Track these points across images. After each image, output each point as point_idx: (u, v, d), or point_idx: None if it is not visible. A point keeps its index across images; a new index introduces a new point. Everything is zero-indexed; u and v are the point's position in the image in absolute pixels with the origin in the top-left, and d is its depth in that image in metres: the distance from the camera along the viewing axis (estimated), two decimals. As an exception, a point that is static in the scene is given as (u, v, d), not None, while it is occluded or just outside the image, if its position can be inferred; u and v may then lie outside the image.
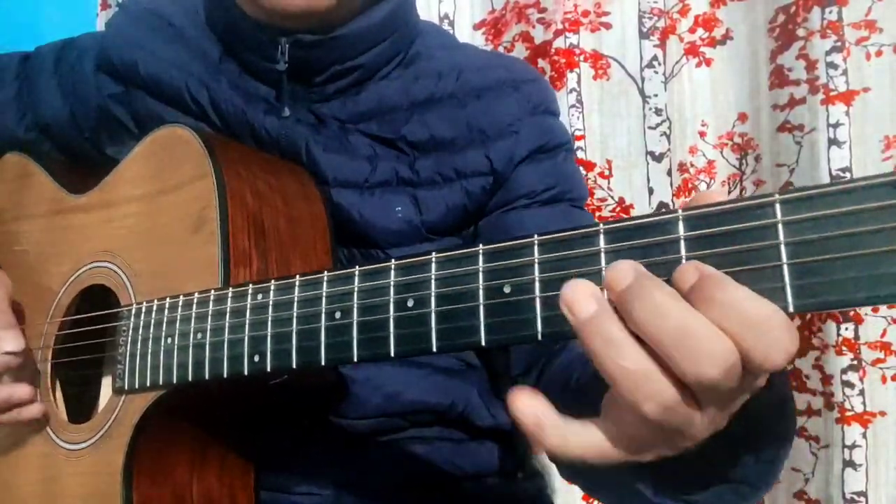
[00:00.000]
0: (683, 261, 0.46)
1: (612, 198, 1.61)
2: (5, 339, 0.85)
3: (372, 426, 0.90)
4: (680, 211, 0.46)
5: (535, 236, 0.51)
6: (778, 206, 0.44)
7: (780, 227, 0.43)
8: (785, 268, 0.43)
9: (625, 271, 0.44)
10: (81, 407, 0.92)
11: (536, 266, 0.51)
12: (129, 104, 0.98)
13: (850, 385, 1.44)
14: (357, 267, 0.60)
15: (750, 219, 0.44)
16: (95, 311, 0.89)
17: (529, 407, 0.48)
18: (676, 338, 0.42)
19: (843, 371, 1.44)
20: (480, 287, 0.53)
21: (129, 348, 0.78)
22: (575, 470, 0.66)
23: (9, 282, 0.93)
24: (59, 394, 0.91)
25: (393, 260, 0.58)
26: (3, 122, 1.06)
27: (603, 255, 0.48)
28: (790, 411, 0.56)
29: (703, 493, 0.55)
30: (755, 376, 0.45)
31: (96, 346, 0.90)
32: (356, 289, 0.59)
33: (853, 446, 1.43)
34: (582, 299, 0.45)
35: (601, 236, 0.48)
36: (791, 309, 0.43)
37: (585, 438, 0.48)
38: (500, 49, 1.67)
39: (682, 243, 0.46)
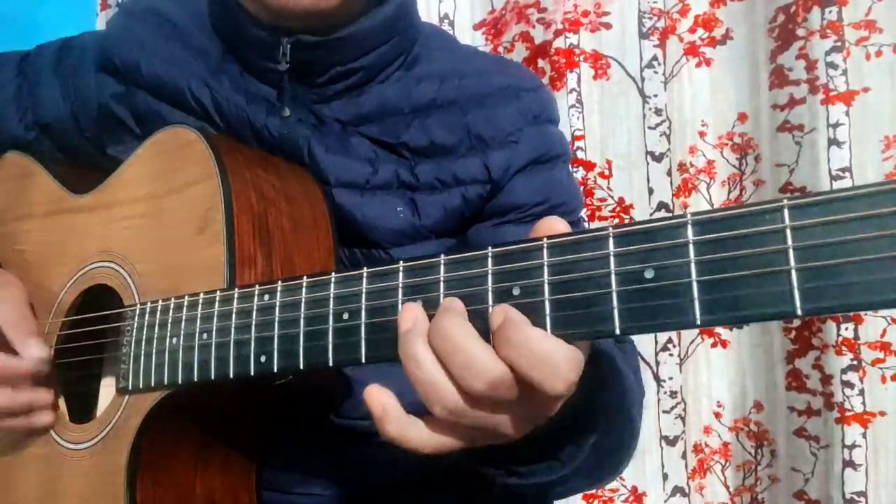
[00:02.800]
0: (692, 265, 0.46)
1: (612, 198, 1.61)
2: (31, 345, 0.85)
3: (372, 426, 0.90)
4: (689, 215, 0.47)
5: (545, 239, 0.52)
6: (786, 212, 0.44)
7: (788, 231, 0.44)
8: (793, 272, 0.43)
9: (443, 304, 0.54)
10: (80, 407, 0.92)
11: (546, 268, 0.51)
12: (130, 104, 0.98)
13: (850, 385, 1.44)
14: (365, 268, 0.60)
15: (758, 223, 0.45)
16: (96, 311, 0.89)
17: (378, 398, 0.57)
18: (453, 356, 0.52)
19: (843, 371, 1.45)
20: (489, 289, 0.54)
21: (132, 348, 0.78)
22: None
23: (21, 285, 0.93)
24: (59, 394, 0.91)
25: (401, 262, 0.58)
26: (3, 121, 1.06)
27: (612, 259, 0.49)
28: (604, 407, 0.66)
29: (523, 465, 0.65)
30: (551, 400, 0.53)
31: (97, 346, 0.89)
32: (364, 290, 0.59)
33: (853, 446, 1.43)
34: (404, 318, 0.56)
35: (611, 239, 0.49)
36: (799, 312, 0.43)
37: (418, 434, 0.57)
38: (500, 49, 1.67)
39: (691, 247, 0.46)
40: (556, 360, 0.50)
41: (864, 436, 1.44)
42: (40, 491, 0.87)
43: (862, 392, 1.44)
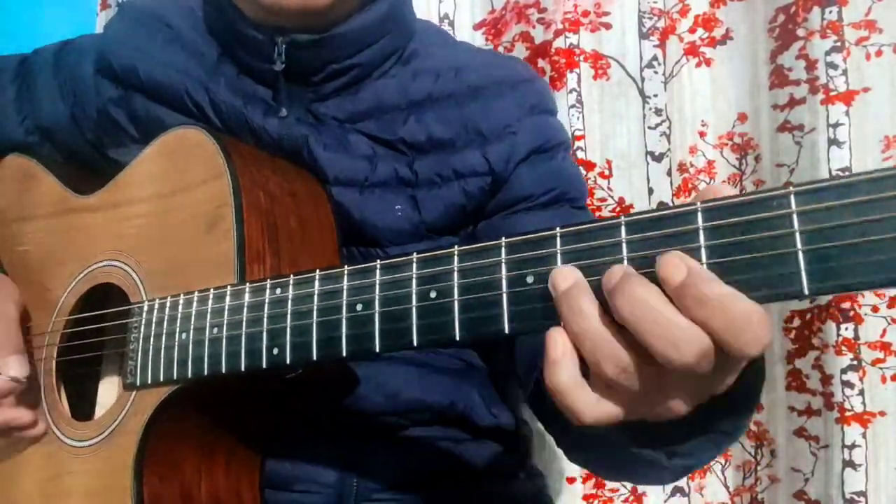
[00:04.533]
0: (703, 250, 0.47)
1: (612, 198, 1.61)
2: (10, 364, 0.85)
3: (372, 425, 0.90)
4: (699, 203, 0.48)
5: (558, 228, 0.52)
6: (793, 197, 0.46)
7: (794, 216, 0.45)
8: (800, 254, 0.45)
9: (615, 271, 0.49)
10: (85, 404, 0.92)
11: (559, 257, 0.52)
12: (128, 107, 0.98)
13: (850, 385, 1.44)
14: (378, 260, 0.60)
15: (766, 209, 0.46)
16: (101, 310, 0.89)
17: (562, 340, 0.52)
18: (655, 327, 0.47)
19: (843, 371, 1.44)
20: (504, 277, 0.54)
21: (140, 344, 0.78)
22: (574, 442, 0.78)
23: (18, 296, 0.93)
24: (63, 392, 0.91)
25: (415, 253, 0.59)
26: (4, 125, 1.06)
27: (625, 245, 0.49)
28: (761, 372, 0.59)
29: (683, 444, 0.60)
30: (737, 363, 0.50)
31: (102, 343, 0.90)
32: (378, 281, 0.60)
33: (853, 446, 1.43)
34: (563, 276, 0.51)
35: (622, 227, 0.50)
36: (806, 292, 0.45)
37: (584, 398, 0.52)
38: (500, 49, 1.67)
39: (701, 233, 0.47)
40: (753, 320, 0.46)
41: (864, 436, 1.44)
42: (44, 488, 0.87)
43: (862, 392, 1.44)
